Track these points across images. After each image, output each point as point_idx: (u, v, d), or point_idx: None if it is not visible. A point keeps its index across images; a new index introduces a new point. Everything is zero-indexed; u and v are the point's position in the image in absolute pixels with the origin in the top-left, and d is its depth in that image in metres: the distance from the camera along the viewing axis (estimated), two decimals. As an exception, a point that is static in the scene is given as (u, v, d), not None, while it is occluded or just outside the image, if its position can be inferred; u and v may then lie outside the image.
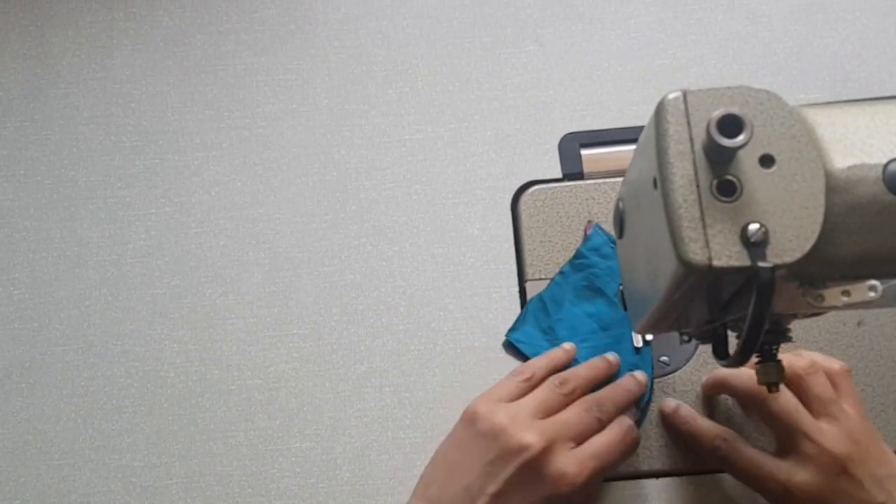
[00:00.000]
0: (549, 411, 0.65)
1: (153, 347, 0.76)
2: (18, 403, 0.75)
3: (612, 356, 0.70)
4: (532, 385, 0.68)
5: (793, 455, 0.62)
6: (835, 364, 0.65)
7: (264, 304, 0.77)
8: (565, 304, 0.74)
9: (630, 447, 0.65)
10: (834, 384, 0.64)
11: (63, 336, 0.77)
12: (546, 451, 0.62)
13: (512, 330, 0.74)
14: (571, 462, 0.62)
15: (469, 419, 0.66)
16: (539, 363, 0.70)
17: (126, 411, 0.75)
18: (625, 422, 0.66)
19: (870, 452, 0.62)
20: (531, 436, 0.62)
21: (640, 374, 0.69)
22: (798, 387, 0.64)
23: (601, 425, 0.65)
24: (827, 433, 0.62)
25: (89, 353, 0.76)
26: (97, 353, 0.76)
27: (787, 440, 0.63)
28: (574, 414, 0.65)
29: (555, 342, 0.72)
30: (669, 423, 0.70)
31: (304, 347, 0.75)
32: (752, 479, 0.64)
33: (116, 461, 0.73)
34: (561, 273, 0.74)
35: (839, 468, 0.61)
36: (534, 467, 0.62)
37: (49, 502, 0.73)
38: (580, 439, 0.64)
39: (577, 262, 0.74)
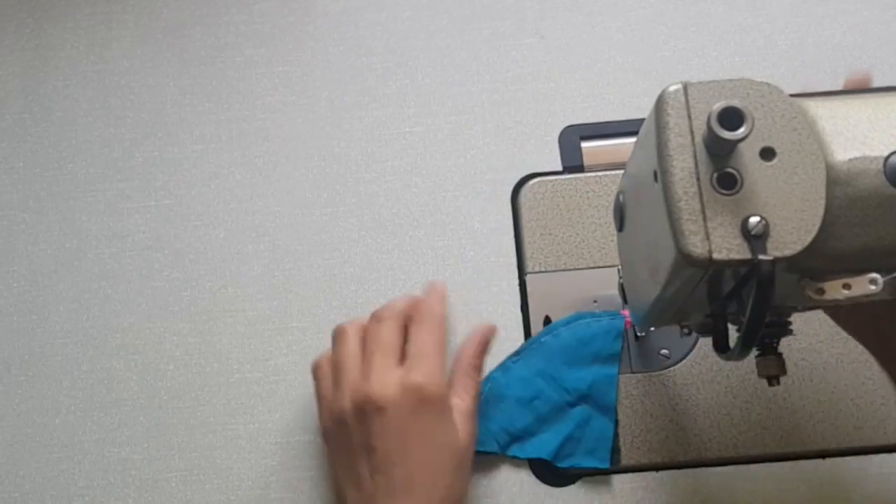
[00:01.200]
0: (354, 362, 0.65)
1: (153, 340, 0.76)
2: (17, 396, 0.75)
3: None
4: (326, 373, 0.67)
5: None
6: None
7: (264, 296, 0.77)
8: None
9: (440, 325, 0.66)
10: None
11: (62, 329, 0.77)
12: (378, 389, 0.62)
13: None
14: (410, 371, 0.63)
15: (323, 436, 0.67)
16: (320, 360, 0.69)
17: (125, 404, 0.75)
18: (425, 308, 0.67)
19: None
20: (368, 388, 0.62)
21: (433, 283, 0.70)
22: None
23: (397, 322, 0.66)
24: None
25: (88, 345, 0.76)
26: (96, 345, 0.76)
27: None
28: (371, 333, 0.65)
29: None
30: None
31: (304, 340, 0.75)
32: None
33: (116, 454, 0.73)
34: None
35: None
36: (379, 410, 0.62)
37: (48, 495, 0.73)
38: (392, 346, 0.64)
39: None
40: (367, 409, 0.62)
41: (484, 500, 0.70)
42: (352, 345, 0.66)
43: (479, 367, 0.68)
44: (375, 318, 0.67)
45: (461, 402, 0.65)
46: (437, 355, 0.64)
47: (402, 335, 0.66)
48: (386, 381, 0.62)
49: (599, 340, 0.71)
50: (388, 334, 0.65)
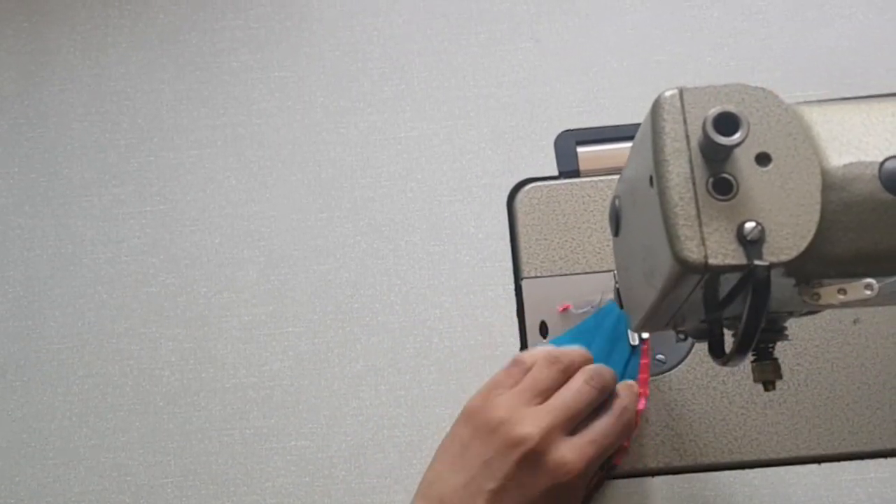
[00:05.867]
0: (545, 393, 0.65)
1: (148, 345, 0.76)
2: (13, 402, 0.75)
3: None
4: (526, 370, 0.67)
5: None
6: None
7: (259, 301, 0.77)
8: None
9: (627, 427, 0.65)
10: None
11: (57, 334, 0.77)
12: (543, 442, 0.62)
13: None
14: (569, 450, 0.62)
15: (466, 416, 0.66)
16: (534, 350, 0.68)
17: (121, 409, 0.74)
18: (620, 403, 0.65)
19: None
20: (527, 427, 0.62)
21: (631, 382, 0.69)
22: None
23: (601, 396, 0.65)
24: None
25: (84, 351, 0.76)
26: (91, 351, 0.76)
27: None
28: (573, 390, 0.64)
29: None
30: None
31: (299, 345, 0.75)
32: None
33: (111, 459, 0.73)
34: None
35: None
36: (531, 459, 0.61)
37: (44, 501, 0.72)
38: (579, 417, 0.64)
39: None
40: (515, 453, 0.62)
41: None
42: (552, 376, 0.65)
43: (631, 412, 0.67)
44: (587, 373, 0.66)
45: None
46: (602, 448, 0.64)
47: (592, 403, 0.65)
48: (554, 441, 0.62)
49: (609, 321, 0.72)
50: (580, 402, 0.64)
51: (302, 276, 0.77)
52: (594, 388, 0.64)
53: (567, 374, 0.66)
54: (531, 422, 0.62)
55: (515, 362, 0.68)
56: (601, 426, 0.64)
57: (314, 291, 0.77)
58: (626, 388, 0.68)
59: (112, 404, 0.75)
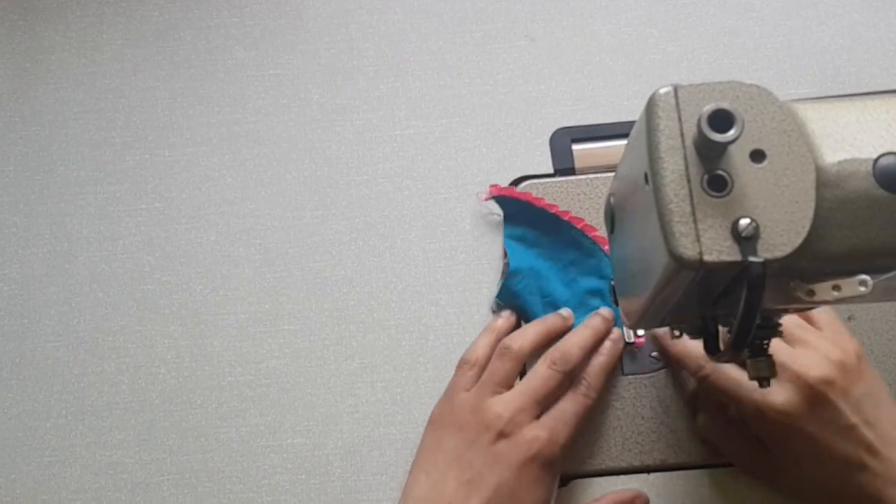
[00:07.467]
0: (505, 382, 0.66)
1: (144, 343, 0.76)
2: (8, 400, 0.75)
3: (565, 311, 0.71)
4: (477, 366, 0.68)
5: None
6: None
7: (255, 299, 0.77)
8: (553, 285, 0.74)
9: (592, 402, 0.67)
10: (805, 318, 0.65)
11: (53, 332, 0.77)
12: (512, 421, 0.63)
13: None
14: (540, 427, 0.63)
15: (433, 423, 0.67)
16: (476, 345, 0.70)
17: (117, 407, 0.74)
18: (587, 382, 0.67)
19: (849, 375, 0.61)
20: (497, 408, 0.64)
21: (605, 311, 0.70)
22: None
23: (568, 377, 0.66)
24: (800, 358, 0.61)
25: (79, 349, 0.76)
26: (87, 349, 0.76)
27: None
28: (538, 376, 0.66)
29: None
30: (659, 345, 0.70)
31: (295, 343, 0.75)
32: (731, 397, 0.64)
33: (107, 457, 0.73)
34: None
35: (814, 392, 0.60)
36: (503, 438, 0.63)
37: (40, 499, 0.72)
38: (547, 400, 0.65)
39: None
40: (492, 426, 0.63)
41: None
42: (507, 367, 0.67)
43: (596, 388, 0.68)
44: (549, 359, 0.67)
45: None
46: (571, 427, 0.65)
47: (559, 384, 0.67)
48: (517, 421, 0.63)
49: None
50: (545, 384, 0.66)
51: (297, 274, 0.77)
52: (558, 371, 0.66)
53: (519, 359, 0.67)
54: (500, 405, 0.64)
55: (463, 363, 0.69)
56: (567, 406, 0.65)
57: (310, 289, 0.77)
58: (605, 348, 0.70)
59: (108, 402, 0.75)
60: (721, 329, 0.54)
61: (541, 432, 0.63)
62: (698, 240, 0.43)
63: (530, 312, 0.72)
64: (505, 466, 0.62)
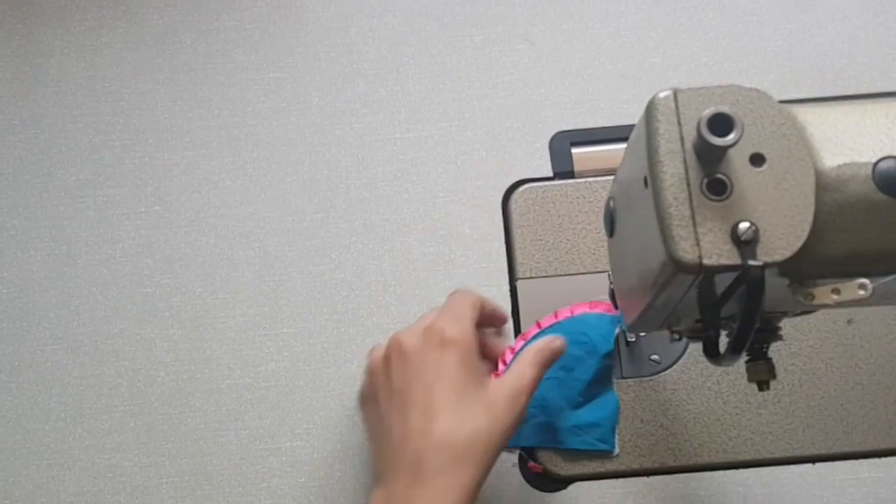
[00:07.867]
0: None
1: (143, 346, 0.76)
2: (7, 403, 0.75)
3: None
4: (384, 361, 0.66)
5: None
6: None
7: (254, 302, 0.77)
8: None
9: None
10: None
11: (52, 335, 0.76)
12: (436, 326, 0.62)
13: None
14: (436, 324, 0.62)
15: (362, 407, 0.67)
16: (374, 353, 0.67)
17: (116, 410, 0.74)
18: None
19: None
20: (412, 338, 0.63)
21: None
22: None
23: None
24: None
25: (79, 352, 0.76)
26: (86, 352, 0.76)
27: None
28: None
29: None
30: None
31: (294, 346, 0.75)
32: None
33: (106, 460, 0.73)
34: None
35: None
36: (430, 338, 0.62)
37: (38, 502, 0.72)
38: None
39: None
40: (391, 355, 0.62)
41: (475, 506, 0.70)
42: (418, 338, 0.64)
43: (543, 363, 0.64)
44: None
45: (513, 382, 0.62)
46: (467, 309, 0.63)
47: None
48: (412, 329, 0.63)
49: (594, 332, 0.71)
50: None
51: (297, 277, 0.77)
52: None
53: (431, 337, 0.63)
54: (393, 337, 0.63)
55: (369, 367, 0.66)
56: (451, 300, 0.65)
57: (309, 292, 0.77)
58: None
59: (107, 405, 0.75)
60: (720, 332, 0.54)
61: (437, 322, 0.62)
62: (698, 243, 0.43)
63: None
64: (414, 371, 0.61)
